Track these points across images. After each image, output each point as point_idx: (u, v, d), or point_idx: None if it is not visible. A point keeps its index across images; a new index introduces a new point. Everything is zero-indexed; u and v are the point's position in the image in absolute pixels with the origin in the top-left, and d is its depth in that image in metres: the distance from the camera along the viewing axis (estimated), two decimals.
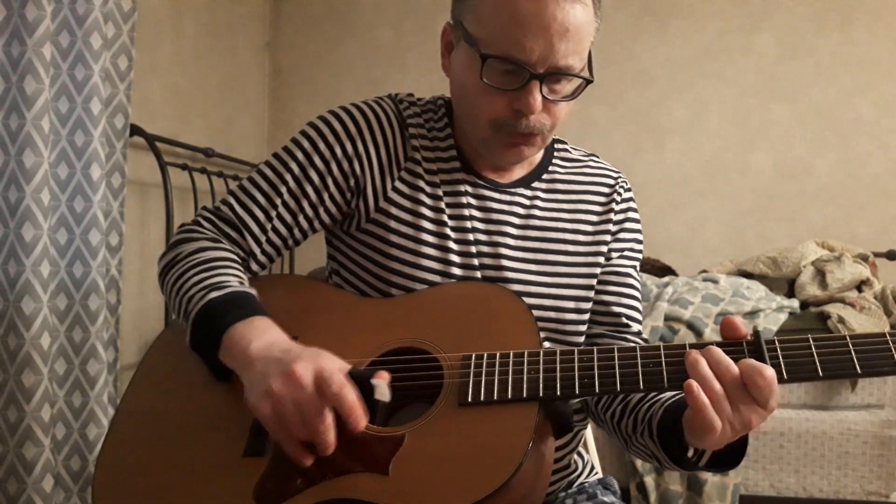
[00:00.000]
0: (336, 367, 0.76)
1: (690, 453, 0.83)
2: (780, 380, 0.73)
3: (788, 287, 2.67)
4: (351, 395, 0.74)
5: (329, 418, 0.74)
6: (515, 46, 0.85)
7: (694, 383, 0.72)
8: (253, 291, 0.89)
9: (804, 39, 3.19)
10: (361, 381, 0.76)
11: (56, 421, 1.69)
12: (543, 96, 0.87)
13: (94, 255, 1.73)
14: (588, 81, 0.91)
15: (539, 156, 1.04)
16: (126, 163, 1.91)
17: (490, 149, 0.94)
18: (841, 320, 2.25)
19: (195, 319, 0.85)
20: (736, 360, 0.73)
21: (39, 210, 1.56)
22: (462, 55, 0.92)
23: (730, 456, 0.81)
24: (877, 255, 2.87)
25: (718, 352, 0.74)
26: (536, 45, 0.84)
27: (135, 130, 2.05)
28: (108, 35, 1.80)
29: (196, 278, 0.88)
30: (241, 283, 0.89)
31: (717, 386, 0.72)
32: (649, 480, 2.14)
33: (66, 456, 1.73)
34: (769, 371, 0.71)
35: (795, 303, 2.42)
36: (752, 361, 0.72)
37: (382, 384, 0.77)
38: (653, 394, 0.90)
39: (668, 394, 0.88)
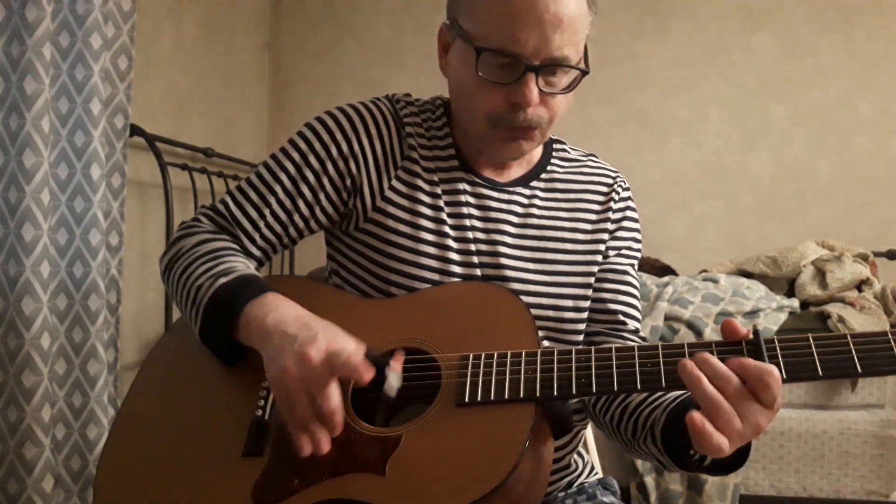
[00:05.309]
0: (351, 348, 0.76)
1: (693, 453, 0.82)
2: (780, 380, 0.71)
3: (788, 287, 2.67)
4: (358, 358, 0.74)
5: (335, 394, 0.74)
6: (510, 39, 0.85)
7: (697, 415, 0.69)
8: (259, 273, 0.90)
9: (804, 39, 3.18)
10: (376, 367, 0.77)
11: (56, 421, 1.69)
12: (540, 89, 0.88)
13: (94, 256, 1.73)
14: (584, 73, 0.91)
15: (537, 155, 1.04)
16: (126, 163, 1.91)
17: (489, 144, 0.95)
18: (841, 320, 2.24)
19: (207, 306, 0.85)
20: None
21: (39, 210, 1.56)
22: (458, 52, 0.93)
23: (734, 456, 0.79)
24: (877, 254, 2.87)
25: (716, 365, 0.71)
26: (531, 36, 0.85)
27: (135, 130, 2.05)
28: (108, 35, 1.80)
29: (202, 268, 0.89)
30: (247, 268, 0.90)
31: (726, 405, 0.69)
32: (649, 480, 2.14)
33: (67, 456, 1.73)
34: (773, 369, 0.70)
35: (795, 302, 2.42)
36: (754, 362, 0.70)
37: (394, 375, 0.79)
38: (652, 395, 0.90)
39: (669, 396, 0.87)
